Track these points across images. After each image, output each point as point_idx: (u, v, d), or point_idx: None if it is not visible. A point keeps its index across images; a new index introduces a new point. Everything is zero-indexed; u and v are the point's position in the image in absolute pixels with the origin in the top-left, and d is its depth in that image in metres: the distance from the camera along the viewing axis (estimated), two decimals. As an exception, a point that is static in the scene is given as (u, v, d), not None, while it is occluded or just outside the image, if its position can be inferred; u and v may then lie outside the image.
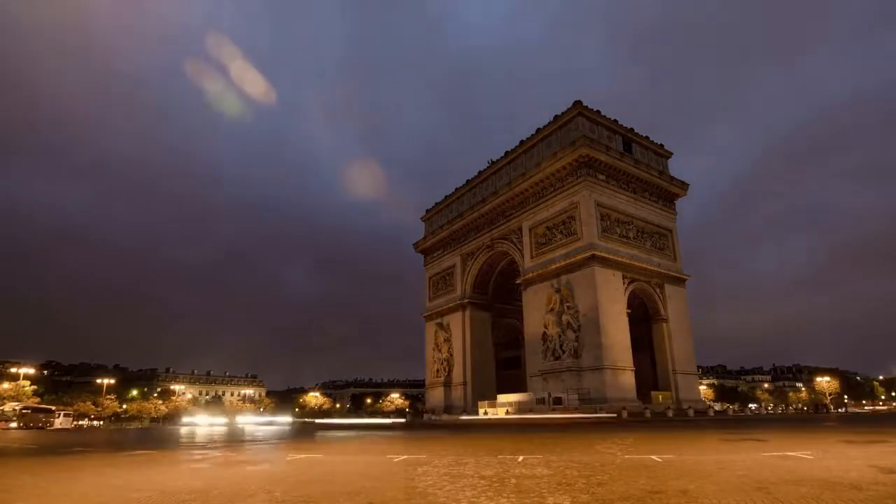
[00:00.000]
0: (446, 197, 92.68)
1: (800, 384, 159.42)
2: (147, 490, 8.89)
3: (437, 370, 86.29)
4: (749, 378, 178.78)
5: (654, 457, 12.54)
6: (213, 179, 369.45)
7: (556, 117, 68.61)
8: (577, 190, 63.38)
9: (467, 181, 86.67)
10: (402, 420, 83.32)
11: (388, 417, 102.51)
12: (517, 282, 71.60)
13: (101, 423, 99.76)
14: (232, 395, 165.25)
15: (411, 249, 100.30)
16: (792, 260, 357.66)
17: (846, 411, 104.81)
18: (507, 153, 77.38)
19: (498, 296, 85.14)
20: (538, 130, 71.34)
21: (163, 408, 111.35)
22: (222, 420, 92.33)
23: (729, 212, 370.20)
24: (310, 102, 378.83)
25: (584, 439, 20.76)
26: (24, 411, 64.15)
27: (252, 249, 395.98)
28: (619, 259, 61.88)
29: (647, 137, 72.31)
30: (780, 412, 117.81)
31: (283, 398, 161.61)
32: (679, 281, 68.77)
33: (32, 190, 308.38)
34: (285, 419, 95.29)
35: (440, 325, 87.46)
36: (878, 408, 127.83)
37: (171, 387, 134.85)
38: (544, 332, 63.45)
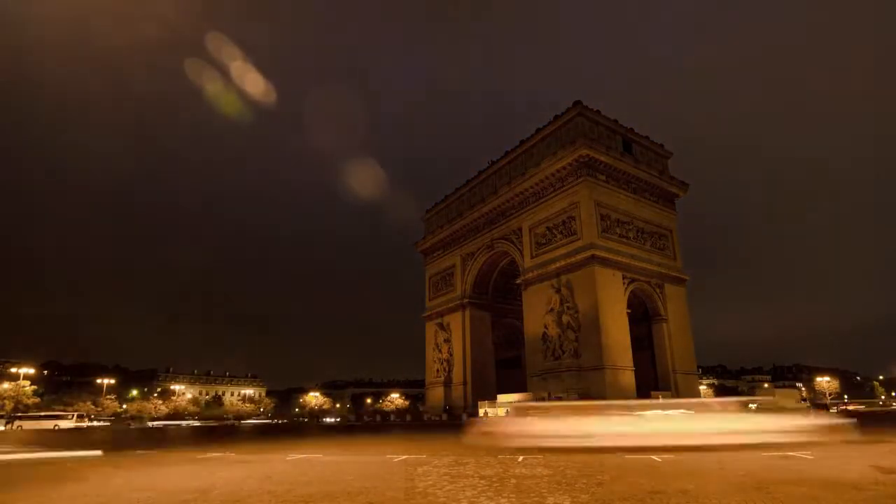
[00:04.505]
0: (446, 196, 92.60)
1: (800, 384, 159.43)
2: (147, 490, 8.89)
3: (437, 370, 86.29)
4: (749, 378, 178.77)
5: (654, 457, 12.54)
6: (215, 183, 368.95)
7: (556, 117, 68.57)
8: (577, 190, 63.34)
9: (467, 181, 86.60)
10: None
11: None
12: (517, 282, 71.55)
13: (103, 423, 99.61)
14: (232, 395, 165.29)
15: (412, 249, 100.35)
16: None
17: (846, 409, 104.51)
18: (507, 153, 77.33)
19: (498, 296, 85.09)
20: (538, 130, 71.30)
21: (163, 408, 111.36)
22: None
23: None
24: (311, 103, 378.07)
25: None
26: None
27: (244, 245, 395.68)
28: (620, 259, 61.84)
29: (647, 137, 72.32)
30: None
31: (284, 398, 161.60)
32: (679, 281, 68.74)
33: (31, 191, 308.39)
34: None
35: (440, 325, 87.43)
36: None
37: (171, 387, 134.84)
38: (544, 332, 63.42)
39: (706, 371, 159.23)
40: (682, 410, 19.02)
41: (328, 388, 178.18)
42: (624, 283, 61.99)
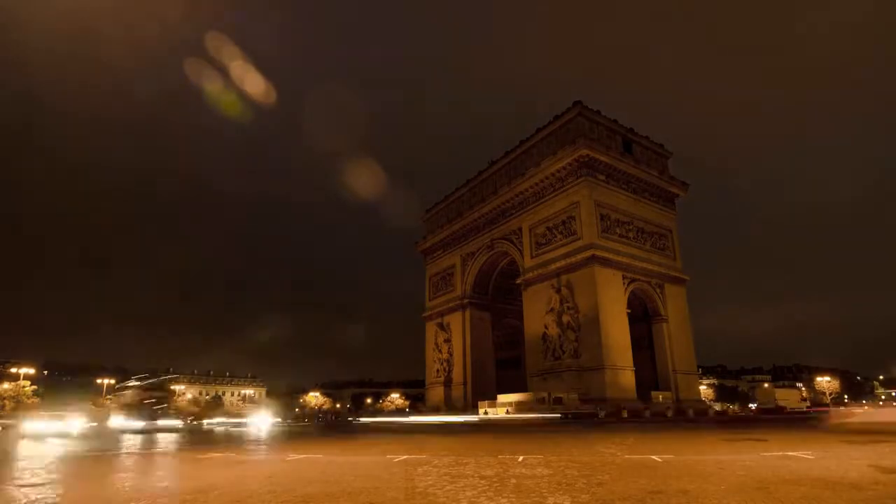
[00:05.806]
0: (446, 196, 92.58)
1: (800, 384, 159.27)
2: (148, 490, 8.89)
3: (437, 370, 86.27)
4: (749, 378, 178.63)
5: (654, 457, 12.53)
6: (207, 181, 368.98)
7: (556, 117, 68.58)
8: (577, 190, 63.35)
9: (467, 181, 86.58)
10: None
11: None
12: (517, 282, 71.59)
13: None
14: (232, 395, 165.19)
15: (412, 248, 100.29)
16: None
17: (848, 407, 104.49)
18: (507, 153, 77.34)
19: (498, 296, 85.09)
20: (538, 130, 71.31)
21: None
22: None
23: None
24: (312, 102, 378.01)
25: (584, 439, 20.77)
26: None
27: (244, 246, 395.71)
28: (620, 259, 61.87)
29: (647, 137, 72.30)
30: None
31: (284, 398, 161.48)
32: (679, 281, 68.76)
33: (31, 191, 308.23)
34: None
35: (440, 326, 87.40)
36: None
37: (172, 387, 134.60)
38: (544, 332, 63.41)
39: (706, 371, 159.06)
40: None
41: (328, 388, 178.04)
42: (624, 283, 62.02)
